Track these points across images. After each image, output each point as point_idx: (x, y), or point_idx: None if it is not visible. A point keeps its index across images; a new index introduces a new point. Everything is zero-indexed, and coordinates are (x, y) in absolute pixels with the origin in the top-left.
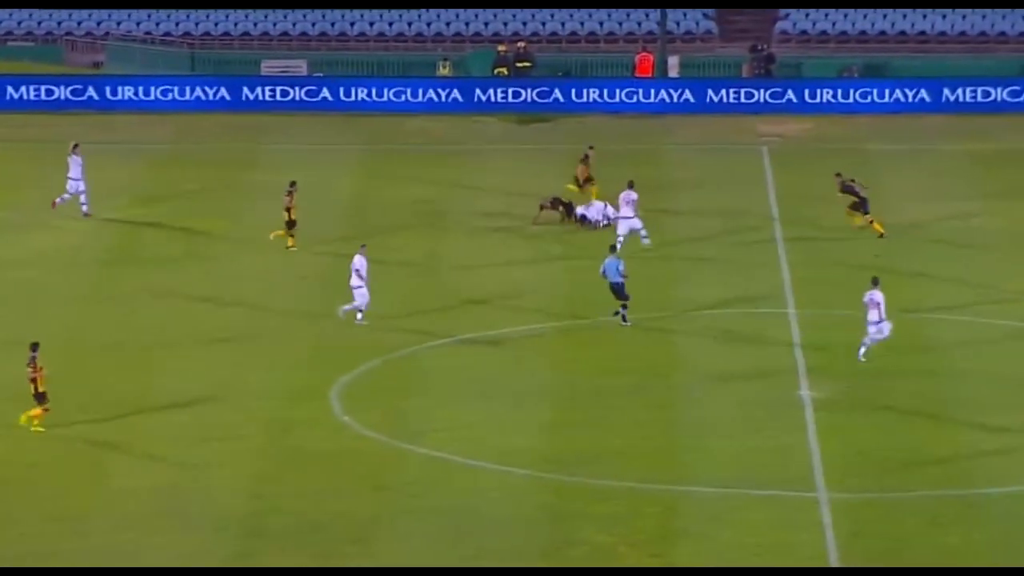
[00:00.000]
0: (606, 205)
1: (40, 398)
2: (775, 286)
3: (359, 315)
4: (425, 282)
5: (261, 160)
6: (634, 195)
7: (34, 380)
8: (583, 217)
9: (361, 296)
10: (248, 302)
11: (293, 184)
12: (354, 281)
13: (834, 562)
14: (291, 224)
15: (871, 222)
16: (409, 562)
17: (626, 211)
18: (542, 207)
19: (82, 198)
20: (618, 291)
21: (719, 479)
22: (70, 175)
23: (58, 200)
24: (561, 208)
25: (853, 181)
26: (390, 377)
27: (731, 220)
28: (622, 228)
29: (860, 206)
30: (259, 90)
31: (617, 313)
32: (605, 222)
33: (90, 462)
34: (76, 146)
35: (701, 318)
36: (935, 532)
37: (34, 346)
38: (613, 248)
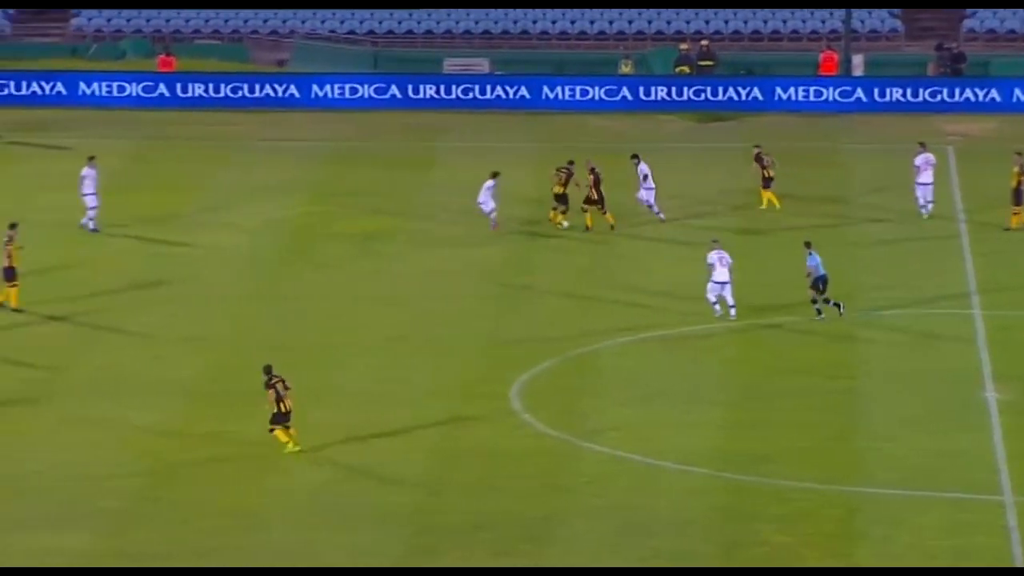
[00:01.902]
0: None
1: (283, 418)
2: (960, 286)
3: (717, 308)
4: (603, 281)
5: (440, 158)
6: (933, 158)
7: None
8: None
9: (727, 291)
10: (424, 300)
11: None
12: (720, 275)
13: (1020, 566)
14: (597, 201)
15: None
16: (585, 562)
17: (926, 175)
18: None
19: (491, 215)
20: (825, 284)
21: (899, 481)
22: (480, 199)
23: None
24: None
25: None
26: (567, 375)
27: (915, 220)
28: (921, 194)
29: (767, 183)
30: (441, 88)
31: (839, 306)
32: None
33: (261, 460)
34: (496, 175)
35: (883, 318)
36: None
37: (268, 368)
38: (808, 244)
